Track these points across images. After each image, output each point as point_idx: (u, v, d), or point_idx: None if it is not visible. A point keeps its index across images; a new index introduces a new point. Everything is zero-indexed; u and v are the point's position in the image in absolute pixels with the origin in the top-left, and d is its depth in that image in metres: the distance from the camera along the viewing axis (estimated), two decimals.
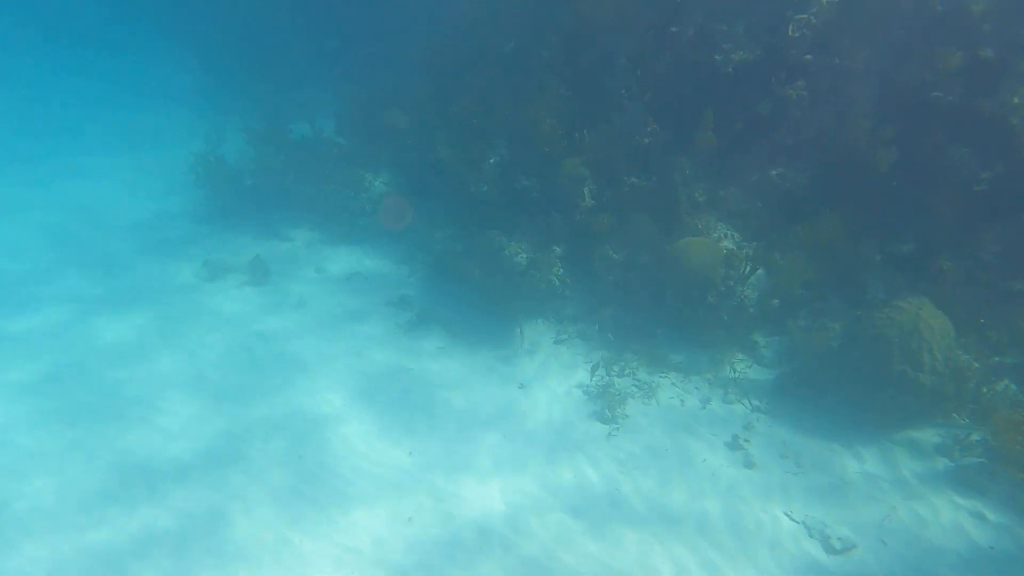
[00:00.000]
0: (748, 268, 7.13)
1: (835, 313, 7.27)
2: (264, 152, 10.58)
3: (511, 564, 4.89)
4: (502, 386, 6.76)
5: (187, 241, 9.56)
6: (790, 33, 8.39)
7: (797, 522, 5.34)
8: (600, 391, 6.58)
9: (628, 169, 8.35)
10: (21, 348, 7.10)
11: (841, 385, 6.40)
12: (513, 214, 8.52)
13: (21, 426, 5.99)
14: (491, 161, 9.08)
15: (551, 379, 6.87)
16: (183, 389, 6.56)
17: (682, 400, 6.61)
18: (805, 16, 8.26)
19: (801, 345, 6.83)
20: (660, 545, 5.09)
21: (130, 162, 12.45)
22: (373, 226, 9.67)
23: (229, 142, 11.38)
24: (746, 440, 6.06)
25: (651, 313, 7.48)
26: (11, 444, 5.79)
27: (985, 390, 6.22)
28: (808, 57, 8.28)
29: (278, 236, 9.72)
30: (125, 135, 13.67)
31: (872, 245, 7.49)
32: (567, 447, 6.00)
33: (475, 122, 8.92)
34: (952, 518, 5.37)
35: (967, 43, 7.49)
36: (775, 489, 5.64)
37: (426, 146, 9.80)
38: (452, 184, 9.01)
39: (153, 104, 15.19)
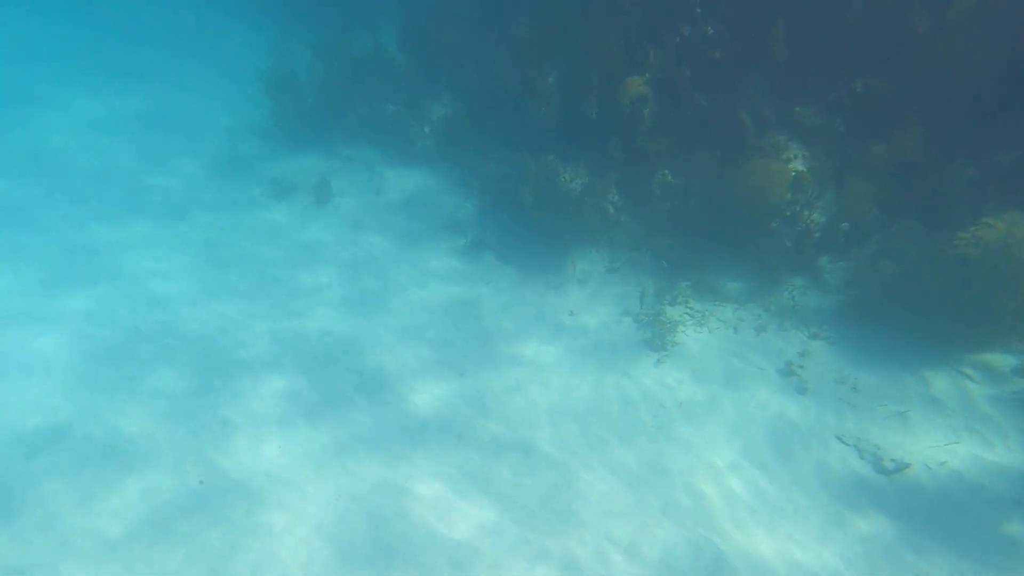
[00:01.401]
0: (817, 191, 6.74)
1: (912, 236, 6.82)
2: (328, 68, 10.64)
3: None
4: (553, 313, 6.88)
5: (254, 159, 9.90)
6: None
7: (848, 445, 5.30)
8: (651, 319, 6.58)
9: (695, 87, 7.90)
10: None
11: (909, 310, 6.10)
12: (570, 138, 8.34)
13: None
14: (549, 81, 8.82)
15: (601, 308, 6.92)
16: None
17: (735, 328, 6.53)
18: None
19: (867, 271, 6.51)
20: (702, 465, 5.21)
21: (199, 76, 12.69)
22: (431, 149, 9.74)
23: (296, 57, 11.53)
24: (800, 367, 5.97)
25: (708, 240, 7.28)
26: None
27: None
28: None
29: (340, 156, 9.92)
30: (189, 49, 13.91)
31: (963, 160, 6.85)
32: (615, 372, 6.11)
33: (535, 40, 8.61)
34: (1020, 440, 5.16)
35: None
36: (827, 414, 5.59)
37: (485, 68, 9.62)
38: (509, 108, 8.87)
39: (216, 20, 15.30)
